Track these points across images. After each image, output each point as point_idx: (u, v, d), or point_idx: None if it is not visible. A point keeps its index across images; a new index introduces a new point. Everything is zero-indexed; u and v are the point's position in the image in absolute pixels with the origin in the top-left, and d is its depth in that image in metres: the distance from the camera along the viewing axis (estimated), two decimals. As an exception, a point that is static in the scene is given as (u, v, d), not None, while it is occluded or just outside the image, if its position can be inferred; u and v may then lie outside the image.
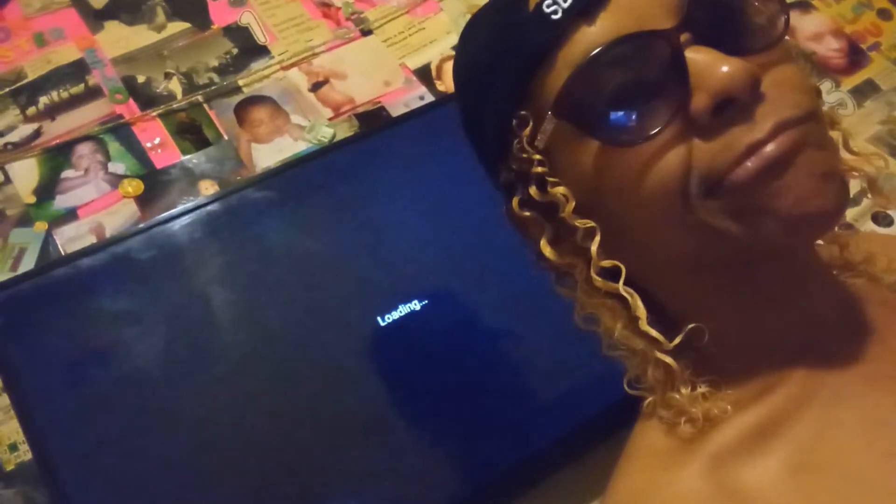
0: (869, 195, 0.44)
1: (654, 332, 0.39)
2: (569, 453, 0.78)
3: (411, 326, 0.81)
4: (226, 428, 0.72)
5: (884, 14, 1.17)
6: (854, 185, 0.42)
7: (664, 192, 0.36)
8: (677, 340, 0.39)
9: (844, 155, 0.42)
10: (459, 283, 0.85)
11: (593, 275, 0.40)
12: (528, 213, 0.42)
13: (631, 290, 0.39)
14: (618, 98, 0.36)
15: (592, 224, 0.39)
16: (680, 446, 0.40)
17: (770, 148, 0.33)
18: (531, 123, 0.39)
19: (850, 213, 0.99)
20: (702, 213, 0.35)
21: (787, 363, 0.40)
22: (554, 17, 0.36)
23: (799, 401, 0.38)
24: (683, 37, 0.35)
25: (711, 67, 0.34)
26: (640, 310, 0.39)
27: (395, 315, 0.81)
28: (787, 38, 0.37)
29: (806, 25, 1.15)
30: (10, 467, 0.73)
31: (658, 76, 0.35)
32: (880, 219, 1.00)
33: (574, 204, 0.39)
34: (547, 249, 0.42)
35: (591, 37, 0.36)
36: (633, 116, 0.36)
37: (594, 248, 0.39)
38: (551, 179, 0.40)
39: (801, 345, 0.40)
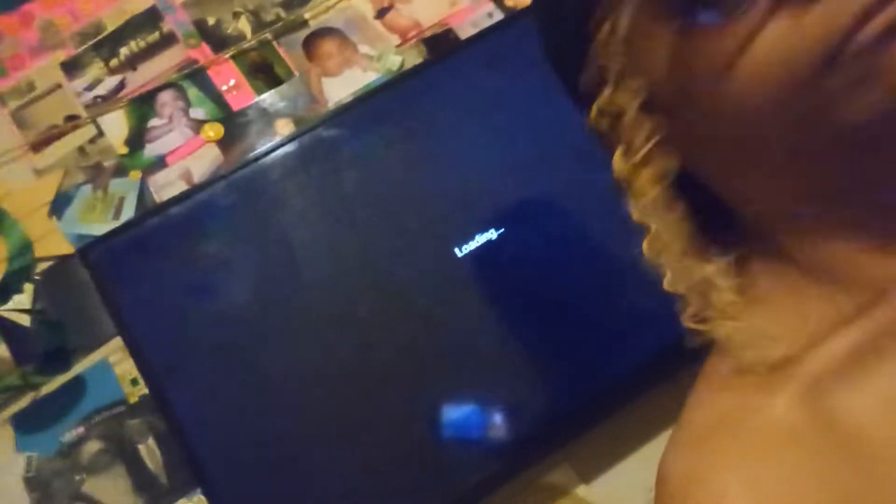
0: None
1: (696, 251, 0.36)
2: (655, 375, 0.78)
3: (488, 256, 0.81)
4: (317, 357, 0.77)
5: None
6: None
7: (770, 72, 0.31)
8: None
9: None
10: (535, 210, 0.84)
11: (649, 177, 0.37)
12: (603, 122, 0.39)
13: (679, 201, 0.36)
14: None
15: (659, 121, 0.36)
16: (768, 369, 0.36)
17: (888, 8, 0.28)
18: (610, 16, 0.36)
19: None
20: (822, 87, 0.30)
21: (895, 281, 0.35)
22: None
23: None
24: None
25: None
26: (685, 224, 0.37)
27: (472, 245, 0.82)
28: None
29: None
30: (133, 399, 0.81)
31: None
32: None
33: (643, 101, 0.36)
34: (618, 162, 0.39)
35: None
36: None
37: (651, 144, 0.36)
38: (629, 79, 0.36)
39: None
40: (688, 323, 0.40)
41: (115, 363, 0.82)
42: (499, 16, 0.98)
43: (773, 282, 0.38)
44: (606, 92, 0.38)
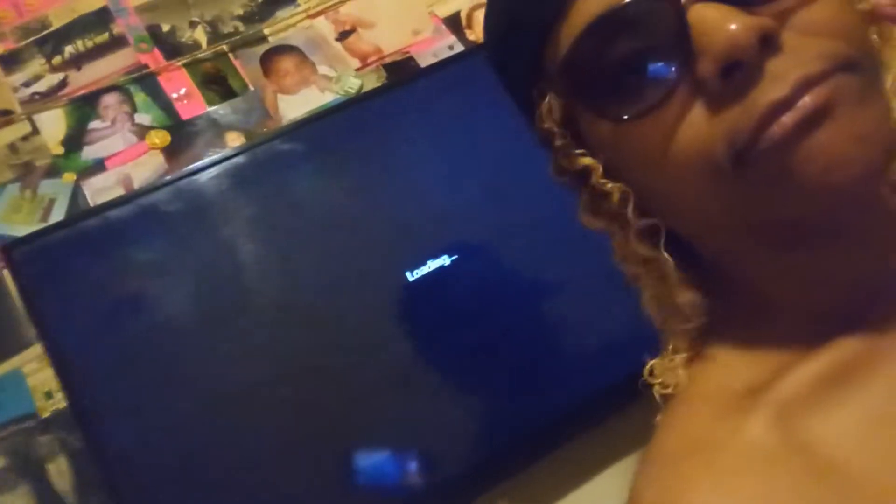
0: None
1: (686, 297, 0.38)
2: (597, 412, 0.77)
3: (440, 279, 0.80)
4: (255, 375, 0.73)
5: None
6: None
7: (689, 165, 0.33)
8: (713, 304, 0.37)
9: None
10: (489, 236, 0.84)
11: (630, 238, 0.38)
12: (563, 179, 0.41)
13: (665, 254, 0.38)
14: (619, 68, 0.33)
15: (626, 188, 0.37)
16: (739, 395, 0.37)
17: (797, 105, 0.30)
18: (547, 97, 0.38)
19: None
20: (737, 183, 0.32)
21: (852, 313, 0.37)
22: None
23: (870, 352, 0.36)
24: None
25: (714, 27, 0.30)
26: (672, 273, 0.38)
27: (424, 270, 0.80)
28: None
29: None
30: (45, 414, 0.74)
31: (660, 41, 0.32)
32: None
33: (601, 170, 0.38)
34: (584, 216, 0.41)
35: (589, 5, 0.33)
36: (636, 87, 0.33)
37: (630, 210, 0.38)
38: (576, 151, 0.38)
39: (868, 294, 0.37)
40: (660, 360, 0.42)
41: (28, 374, 0.76)
42: (459, 48, 1.00)
43: (742, 312, 0.40)
44: (556, 156, 0.40)
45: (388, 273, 0.80)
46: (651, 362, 0.42)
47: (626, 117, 0.34)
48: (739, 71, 0.30)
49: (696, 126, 0.32)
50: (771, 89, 0.30)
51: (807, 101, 0.30)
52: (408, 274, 0.79)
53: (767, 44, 0.30)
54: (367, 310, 0.78)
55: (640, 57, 0.33)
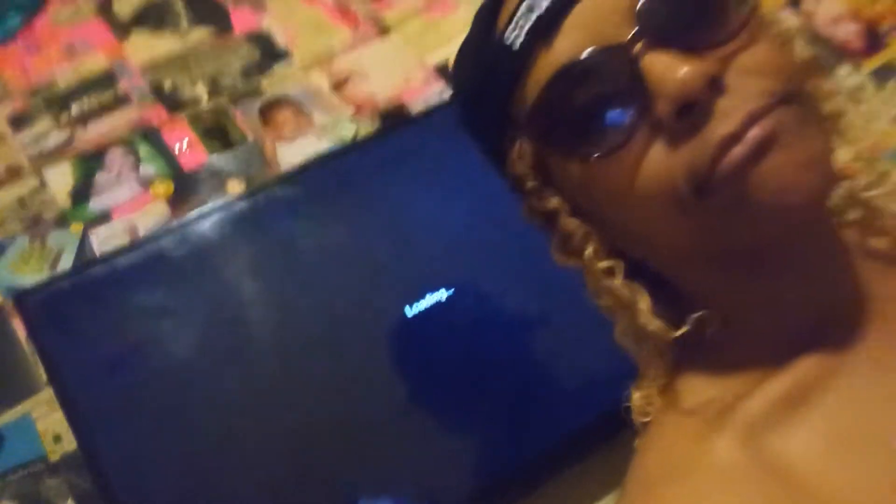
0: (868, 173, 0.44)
1: (655, 325, 0.40)
2: (592, 442, 0.78)
3: (436, 317, 0.82)
4: (258, 417, 0.74)
5: (902, -4, 1.17)
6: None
7: (654, 198, 0.36)
8: (683, 330, 0.40)
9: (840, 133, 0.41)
10: (482, 275, 0.86)
11: (596, 274, 0.41)
12: (535, 220, 0.44)
13: (633, 286, 0.40)
14: (583, 114, 0.37)
15: (587, 229, 0.41)
16: (710, 418, 0.40)
17: (746, 137, 0.33)
18: (517, 143, 0.41)
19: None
20: (699, 213, 0.36)
21: (810, 334, 0.40)
22: (517, 44, 0.38)
23: (827, 370, 0.39)
24: (639, 45, 0.35)
25: (666, 73, 0.34)
26: (641, 304, 0.40)
27: (422, 306, 0.82)
28: (758, 17, 0.36)
29: (823, 10, 1.15)
30: (54, 458, 0.75)
31: (619, 88, 0.36)
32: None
33: (569, 211, 0.41)
34: (555, 254, 0.44)
35: (552, 59, 0.37)
36: (600, 129, 0.36)
37: (590, 251, 0.41)
38: (544, 192, 0.41)
39: (823, 316, 0.40)
40: (636, 389, 0.44)
41: (37, 418, 0.77)
42: (450, 94, 1.04)
43: (710, 338, 0.42)
44: (527, 198, 0.43)
45: (386, 309, 0.82)
46: (630, 390, 0.45)
47: (593, 157, 0.37)
48: (692, 111, 0.34)
49: (658, 162, 0.36)
50: (721, 125, 0.34)
51: (754, 133, 0.33)
52: (406, 309, 0.82)
53: (714, 85, 0.34)
54: (367, 346, 0.80)
55: (603, 102, 0.36)
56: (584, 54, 0.36)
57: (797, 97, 0.35)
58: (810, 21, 1.13)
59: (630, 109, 0.36)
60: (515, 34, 0.38)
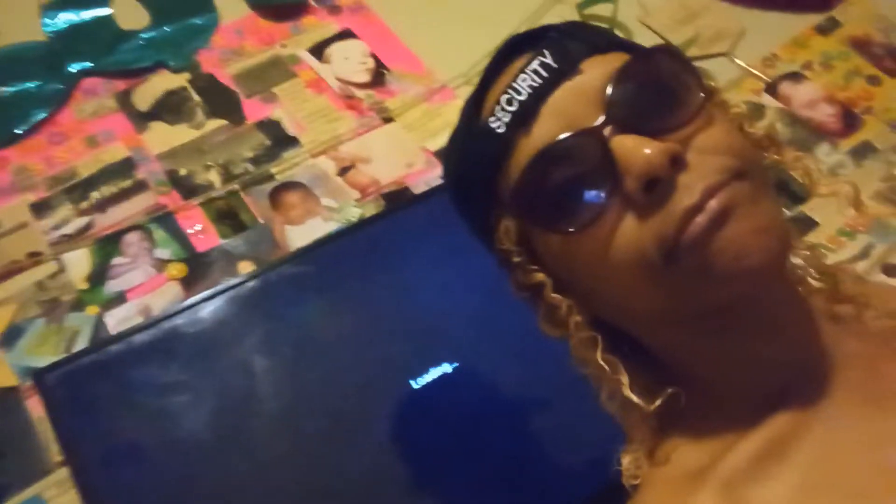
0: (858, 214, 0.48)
1: (634, 398, 0.43)
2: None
3: (440, 392, 0.84)
4: (269, 492, 0.75)
5: (873, 80, 1.24)
6: (861, 241, 0.47)
7: (628, 267, 0.40)
8: (656, 404, 0.43)
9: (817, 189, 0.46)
10: (485, 349, 0.89)
11: (577, 345, 0.45)
12: (523, 294, 0.47)
13: (612, 359, 0.43)
14: (561, 191, 0.41)
15: (570, 302, 0.44)
16: (691, 476, 0.42)
17: (706, 208, 0.38)
18: (503, 221, 0.45)
19: (861, 266, 1.02)
20: (669, 278, 0.39)
21: (781, 392, 0.43)
22: (499, 131, 0.43)
23: (799, 425, 0.41)
24: (608, 129, 0.40)
25: (633, 153, 0.38)
26: (621, 377, 0.43)
27: (425, 380, 0.85)
28: (716, 103, 0.42)
29: (799, 94, 1.22)
30: (64, 539, 0.76)
31: (591, 167, 0.40)
32: (891, 270, 1.03)
33: (552, 285, 0.44)
34: (542, 325, 0.47)
35: (531, 143, 0.41)
36: (577, 205, 0.41)
37: (573, 323, 0.44)
38: (529, 267, 0.45)
39: (793, 374, 0.43)
40: (625, 455, 0.47)
41: (48, 500, 0.78)
42: (450, 177, 1.09)
43: (690, 400, 0.45)
44: (514, 273, 0.47)
45: (391, 383, 0.84)
46: (620, 454, 0.47)
47: (571, 230, 0.41)
48: (657, 186, 0.38)
49: (629, 233, 0.40)
50: (684, 198, 0.38)
51: (713, 204, 0.38)
52: (411, 383, 0.84)
53: (676, 162, 0.39)
54: (372, 421, 0.82)
55: (577, 180, 0.41)
56: (560, 138, 0.40)
57: (748, 173, 0.40)
58: (789, 104, 1.20)
59: (602, 187, 0.40)
60: (498, 122, 0.43)
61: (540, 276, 0.45)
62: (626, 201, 0.40)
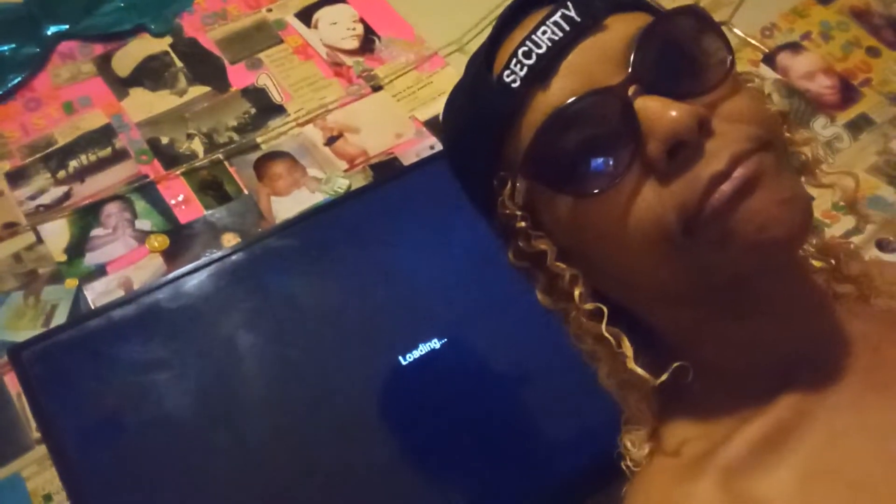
0: (852, 215, 0.47)
1: (639, 371, 0.41)
2: (583, 494, 0.78)
3: (429, 367, 0.83)
4: (254, 469, 0.74)
5: (872, 52, 1.22)
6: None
7: (645, 237, 0.38)
8: (663, 377, 0.41)
9: (818, 176, 0.44)
10: (475, 324, 0.87)
11: (581, 318, 0.42)
12: (522, 263, 0.45)
13: (616, 331, 0.41)
14: (578, 153, 0.39)
15: (574, 271, 0.42)
16: (691, 462, 0.41)
17: (732, 176, 0.36)
18: (509, 183, 0.42)
19: (855, 240, 1.01)
20: (687, 250, 0.37)
21: (785, 377, 0.42)
22: (514, 85, 0.39)
23: (803, 412, 0.40)
24: (632, 88, 0.37)
25: (659, 115, 0.36)
26: (625, 350, 0.41)
27: (415, 355, 0.83)
28: (737, 72, 0.39)
29: (798, 65, 1.20)
30: (44, 517, 0.75)
31: (612, 128, 0.38)
32: (885, 245, 1.02)
33: (556, 253, 0.42)
34: (541, 296, 0.45)
35: (549, 99, 0.39)
36: (594, 168, 0.38)
37: (577, 293, 0.42)
38: (534, 233, 0.43)
39: (798, 358, 0.42)
40: (624, 435, 0.45)
41: (28, 477, 0.76)
42: (440, 147, 1.07)
43: (692, 382, 0.43)
44: (516, 241, 0.44)
45: (380, 359, 0.82)
46: (620, 435, 0.46)
47: (586, 194, 0.39)
48: (683, 150, 0.36)
49: (649, 200, 0.37)
50: (710, 165, 0.36)
51: (740, 171, 0.36)
52: (400, 359, 0.82)
53: (703, 127, 0.36)
54: (360, 396, 0.80)
55: (597, 142, 0.38)
56: (580, 95, 0.37)
57: (772, 145, 0.38)
58: (787, 75, 1.18)
59: (622, 149, 0.37)
60: (513, 76, 0.39)
61: (544, 244, 0.42)
62: (646, 166, 0.37)
